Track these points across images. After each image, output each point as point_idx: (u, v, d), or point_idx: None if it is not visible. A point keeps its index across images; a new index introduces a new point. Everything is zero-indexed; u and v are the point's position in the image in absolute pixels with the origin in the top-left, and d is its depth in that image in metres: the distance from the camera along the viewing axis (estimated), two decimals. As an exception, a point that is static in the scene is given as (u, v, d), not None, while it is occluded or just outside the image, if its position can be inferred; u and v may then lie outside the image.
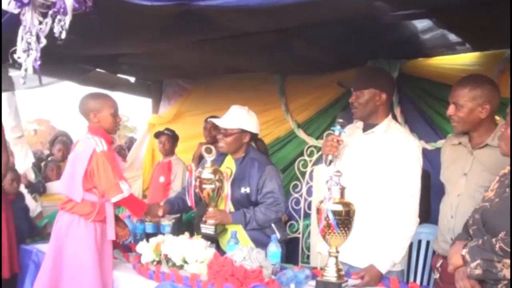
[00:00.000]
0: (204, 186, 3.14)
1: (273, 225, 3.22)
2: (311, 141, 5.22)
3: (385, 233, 2.66)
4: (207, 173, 3.15)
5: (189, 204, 3.26)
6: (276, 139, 5.53)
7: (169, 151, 5.38)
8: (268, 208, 3.18)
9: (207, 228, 3.19)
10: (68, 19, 2.26)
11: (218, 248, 3.27)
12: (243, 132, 3.25)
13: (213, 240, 3.23)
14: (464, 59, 4.22)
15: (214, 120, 3.36)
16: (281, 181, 3.31)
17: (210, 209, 3.19)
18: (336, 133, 2.73)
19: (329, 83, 4.62)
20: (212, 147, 3.19)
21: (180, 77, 6.27)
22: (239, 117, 3.26)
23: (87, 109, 3.06)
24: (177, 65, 5.17)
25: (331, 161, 2.71)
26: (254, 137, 3.34)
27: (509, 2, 2.32)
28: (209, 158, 3.16)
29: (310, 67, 4.80)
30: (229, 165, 3.31)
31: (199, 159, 4.82)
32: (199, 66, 5.16)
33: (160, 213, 3.27)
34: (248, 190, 3.21)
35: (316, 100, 5.21)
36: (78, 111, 3.11)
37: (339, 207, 2.35)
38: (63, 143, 6.22)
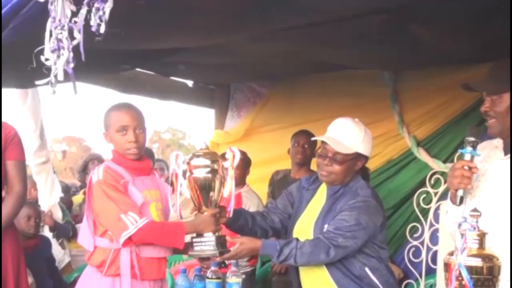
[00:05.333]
0: (196, 175, 3.04)
1: (377, 281, 3.17)
2: (436, 165, 5.14)
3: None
4: (201, 158, 3.06)
5: (177, 213, 3.17)
6: (387, 162, 5.51)
7: (238, 180, 5.42)
8: (320, 242, 3.08)
9: (204, 243, 3.10)
10: (108, 7, 2.36)
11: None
12: (358, 156, 3.24)
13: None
14: None
15: (325, 139, 3.24)
16: (373, 225, 3.14)
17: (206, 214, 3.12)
18: (467, 157, 2.65)
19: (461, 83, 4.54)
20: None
21: (254, 78, 6.38)
22: (356, 137, 3.22)
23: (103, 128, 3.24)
24: (250, 63, 5.27)
25: (462, 199, 2.64)
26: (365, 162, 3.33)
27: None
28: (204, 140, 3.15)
29: (433, 61, 4.74)
30: (320, 196, 3.32)
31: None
32: (279, 63, 5.22)
33: (217, 219, 3.17)
34: None
35: (443, 108, 5.16)
36: None
37: (478, 262, 2.28)
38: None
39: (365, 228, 3.11)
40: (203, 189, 3.09)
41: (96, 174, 3.06)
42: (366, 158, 3.28)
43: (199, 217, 3.15)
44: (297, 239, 3.15)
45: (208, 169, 3.06)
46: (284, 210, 3.44)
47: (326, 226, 3.15)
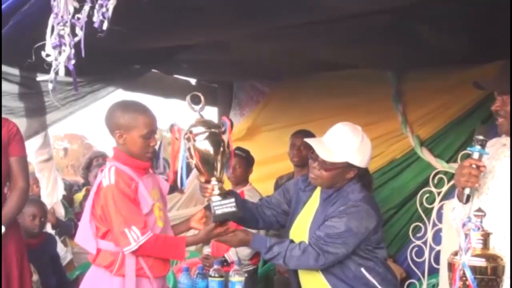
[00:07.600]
0: (198, 145, 2.99)
1: (374, 280, 3.15)
2: (439, 165, 5.13)
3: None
4: (200, 127, 3.02)
5: (169, 182, 3.19)
6: (390, 162, 5.49)
7: (241, 179, 5.42)
8: (309, 248, 3.07)
9: (225, 205, 3.06)
10: (112, 4, 2.35)
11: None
12: (349, 166, 3.18)
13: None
14: None
15: (312, 144, 3.21)
16: (364, 229, 3.10)
17: (214, 183, 3.07)
18: (475, 156, 2.64)
19: (465, 83, 4.53)
20: (200, 95, 3.09)
21: (257, 77, 6.38)
22: (348, 146, 3.16)
23: (113, 125, 3.08)
24: (253, 61, 5.26)
25: (469, 197, 2.63)
26: (360, 171, 3.26)
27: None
28: (197, 111, 3.08)
29: (437, 60, 4.73)
30: (315, 199, 3.30)
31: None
32: (283, 61, 5.21)
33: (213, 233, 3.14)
34: None
35: (446, 107, 5.14)
36: (105, 125, 3.15)
37: (482, 262, 2.27)
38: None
39: (356, 233, 3.08)
40: (208, 156, 3.03)
41: (108, 178, 2.97)
42: (359, 168, 3.20)
43: (199, 233, 3.15)
44: (291, 241, 3.15)
45: (207, 133, 3.01)
46: (278, 206, 3.41)
47: (317, 232, 3.13)
